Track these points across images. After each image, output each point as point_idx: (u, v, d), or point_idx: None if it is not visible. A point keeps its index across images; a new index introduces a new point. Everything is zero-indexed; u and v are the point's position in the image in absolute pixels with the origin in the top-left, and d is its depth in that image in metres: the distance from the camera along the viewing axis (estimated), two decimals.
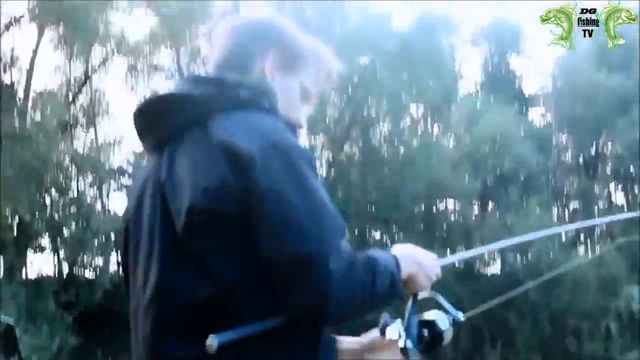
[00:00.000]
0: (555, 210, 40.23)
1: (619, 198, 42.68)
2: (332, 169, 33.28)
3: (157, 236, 2.14)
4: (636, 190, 40.84)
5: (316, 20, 32.05)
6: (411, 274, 2.27)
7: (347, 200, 30.90)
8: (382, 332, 2.41)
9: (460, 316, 2.51)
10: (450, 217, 35.55)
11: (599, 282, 32.49)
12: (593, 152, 42.44)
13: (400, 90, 34.56)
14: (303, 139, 32.68)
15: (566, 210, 42.16)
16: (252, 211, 1.98)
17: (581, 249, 40.50)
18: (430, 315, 2.44)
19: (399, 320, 2.37)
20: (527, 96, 45.29)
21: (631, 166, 40.12)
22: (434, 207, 35.06)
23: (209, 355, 1.94)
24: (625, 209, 40.91)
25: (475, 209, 36.88)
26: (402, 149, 34.47)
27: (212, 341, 1.93)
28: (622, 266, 33.08)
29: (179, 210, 2.06)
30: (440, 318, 2.44)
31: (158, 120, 2.26)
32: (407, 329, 2.34)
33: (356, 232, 31.96)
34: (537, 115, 45.84)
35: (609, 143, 42.44)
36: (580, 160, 42.31)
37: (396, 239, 32.72)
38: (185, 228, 2.04)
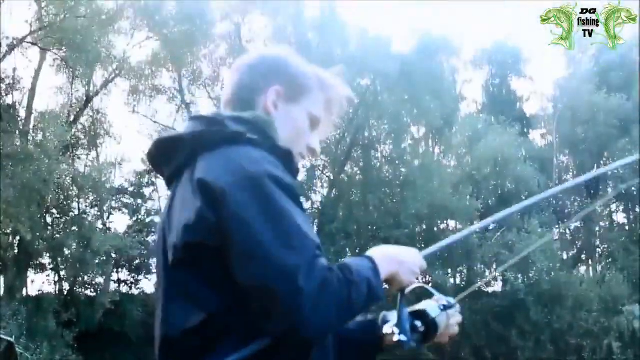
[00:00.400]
0: (556, 230, 40.17)
1: (620, 217, 42.71)
2: (334, 189, 33.29)
3: (161, 271, 2.24)
4: (637, 209, 40.83)
5: (317, 43, 32.24)
6: (393, 272, 2.28)
7: (348, 220, 30.93)
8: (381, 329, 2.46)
9: (452, 300, 2.51)
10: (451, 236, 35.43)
11: (600, 301, 32.45)
12: (594, 172, 42.43)
13: (401, 112, 34.68)
14: (307, 162, 32.80)
15: (567, 230, 42.14)
16: (225, 241, 2.03)
17: (582, 268, 40.49)
18: (420, 305, 2.45)
19: (394, 316, 2.41)
20: (528, 117, 45.44)
21: (632, 186, 40.12)
22: (435, 227, 35.01)
23: None
24: (627, 228, 40.91)
25: (478, 230, 36.78)
26: (403, 170, 34.48)
27: None
28: (624, 286, 33.06)
29: (170, 246, 2.16)
30: (430, 307, 2.45)
31: (161, 161, 2.37)
32: (399, 323, 2.36)
33: (357, 250, 31.91)
34: (538, 136, 45.99)
35: (610, 163, 42.44)
36: (582, 179, 42.24)
37: None
38: (174, 262, 2.14)
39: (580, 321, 31.61)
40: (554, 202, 39.49)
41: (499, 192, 37.09)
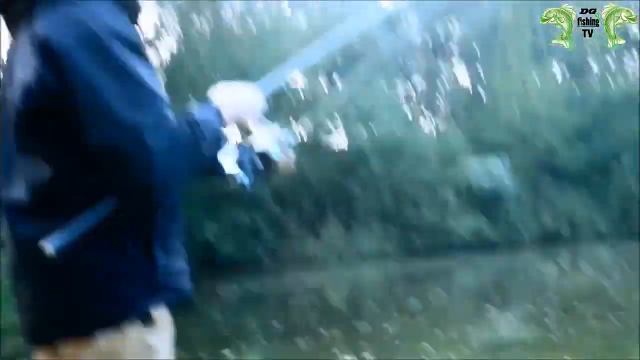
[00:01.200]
0: (401, 87, 40.82)
1: (462, 76, 43.68)
2: (183, 44, 32.62)
3: (3, 125, 2.23)
4: (479, 69, 41.81)
5: None
6: (237, 117, 2.37)
7: (198, 75, 30.46)
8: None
9: (292, 138, 2.60)
10: (299, 91, 35.55)
11: (439, 156, 33.39)
12: (439, 31, 43.06)
13: None
14: (151, 13, 31.83)
15: (411, 87, 42.86)
16: (70, 105, 2.00)
17: (425, 124, 41.44)
18: (259, 141, 2.51)
19: (234, 152, 2.44)
20: None
21: (475, 46, 41.04)
22: (283, 82, 34.93)
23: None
24: (469, 87, 42.01)
25: (323, 84, 37.01)
26: (254, 27, 34.03)
27: (48, 246, 1.98)
28: (462, 141, 34.12)
29: (11, 104, 2.13)
30: (270, 144, 2.52)
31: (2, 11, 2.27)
32: (241, 164, 2.42)
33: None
34: None
35: (456, 23, 43.12)
36: (427, 39, 42.86)
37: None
38: (18, 125, 2.12)
39: (419, 173, 32.49)
40: (399, 59, 39.95)
41: (346, 48, 37.18)
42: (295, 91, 34.54)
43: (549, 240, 32.48)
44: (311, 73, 34.63)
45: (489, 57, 38.45)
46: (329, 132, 34.23)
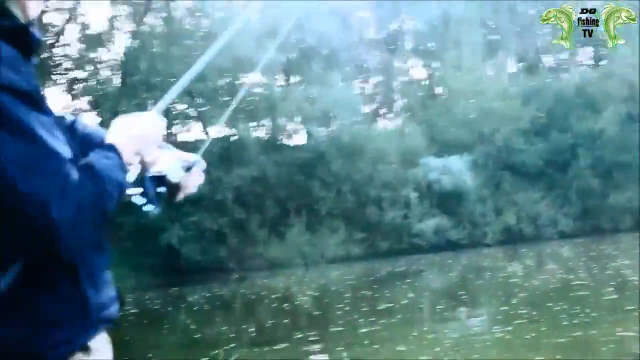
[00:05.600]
0: (357, 84, 40.86)
1: (417, 73, 43.84)
2: (136, 41, 32.24)
3: None
4: (433, 65, 41.98)
5: None
6: (137, 149, 2.25)
7: (151, 72, 30.15)
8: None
9: (193, 159, 2.55)
10: (254, 90, 35.42)
11: (399, 154, 33.46)
12: (394, 27, 43.17)
13: None
14: (103, 10, 31.32)
15: (367, 84, 42.95)
16: None
17: (382, 122, 41.56)
18: (162, 166, 2.46)
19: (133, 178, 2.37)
20: None
21: (429, 42, 41.20)
22: (237, 80, 34.78)
23: None
24: (425, 83, 42.19)
25: (280, 83, 36.93)
26: (205, 21, 33.77)
27: None
28: (421, 139, 34.21)
29: None
30: (172, 168, 2.48)
31: None
32: (145, 193, 2.40)
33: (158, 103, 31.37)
34: None
35: (409, 20, 43.27)
36: (381, 35, 42.94)
37: (199, 110, 32.39)
38: None
39: (380, 173, 32.55)
40: (355, 56, 39.97)
41: (301, 46, 37.09)
42: (252, 92, 34.42)
43: (512, 238, 32.72)
44: (268, 73, 34.52)
45: (443, 52, 38.60)
46: (288, 132, 34.16)
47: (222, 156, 28.01)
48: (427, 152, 33.72)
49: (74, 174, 1.93)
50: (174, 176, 2.46)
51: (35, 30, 2.10)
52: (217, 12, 34.79)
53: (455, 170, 32.33)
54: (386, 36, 42.68)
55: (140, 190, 2.39)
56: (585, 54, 42.69)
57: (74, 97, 32.54)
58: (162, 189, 2.45)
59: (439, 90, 40.71)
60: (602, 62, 40.31)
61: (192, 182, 2.53)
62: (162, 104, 2.53)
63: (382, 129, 38.80)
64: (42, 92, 2.02)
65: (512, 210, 33.39)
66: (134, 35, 32.34)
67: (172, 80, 29.50)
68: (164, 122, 2.39)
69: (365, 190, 32.28)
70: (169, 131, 33.46)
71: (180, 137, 33.93)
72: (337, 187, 32.01)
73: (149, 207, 2.40)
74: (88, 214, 1.94)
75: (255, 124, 33.93)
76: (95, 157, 2.08)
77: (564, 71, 40.88)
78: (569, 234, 33.14)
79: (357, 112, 36.45)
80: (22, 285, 1.97)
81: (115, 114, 29.40)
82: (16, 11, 2.10)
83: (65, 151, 1.97)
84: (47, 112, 2.00)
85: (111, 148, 2.17)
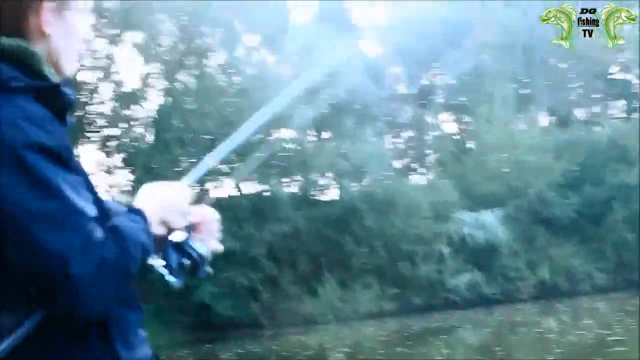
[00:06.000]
0: (389, 139, 40.96)
1: (450, 127, 43.89)
2: (169, 98, 32.59)
3: None
4: (466, 119, 42.00)
5: None
6: (163, 218, 2.28)
7: (184, 129, 30.42)
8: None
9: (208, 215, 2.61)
10: (286, 145, 35.60)
11: (431, 208, 33.37)
12: (425, 82, 43.35)
13: (233, 20, 34.06)
14: (136, 68, 31.73)
15: (399, 139, 43.04)
16: None
17: (414, 177, 41.52)
18: (182, 242, 2.48)
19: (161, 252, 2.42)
20: (361, 28, 45.73)
21: (461, 96, 41.26)
22: (270, 136, 34.94)
23: None
24: (457, 137, 42.17)
25: (312, 138, 37.08)
26: (237, 78, 34.11)
27: None
28: (453, 193, 34.10)
29: None
30: (199, 247, 2.50)
31: None
32: (168, 265, 2.39)
33: (193, 160, 31.59)
34: (371, 47, 46.42)
35: (439, 74, 43.46)
36: (413, 90, 43.13)
37: (232, 165, 32.51)
38: None
39: (412, 228, 32.42)
40: (387, 111, 40.13)
41: (333, 101, 37.29)
42: (285, 148, 34.63)
43: (547, 293, 32.39)
44: (300, 128, 34.71)
45: (475, 107, 38.61)
46: (320, 187, 34.22)
47: (254, 212, 28.08)
48: (460, 206, 33.57)
49: (98, 233, 1.94)
50: (199, 246, 2.47)
51: (69, 90, 2.14)
52: (250, 69, 35.17)
53: (488, 224, 32.14)
54: (418, 91, 42.83)
55: (163, 262, 2.39)
56: (617, 107, 42.57)
57: (108, 154, 32.82)
58: (186, 261, 2.45)
59: (470, 144, 40.65)
60: (634, 115, 40.15)
61: (211, 242, 2.55)
62: (197, 173, 2.61)
63: (414, 183, 38.72)
64: (72, 150, 2.04)
65: (546, 264, 33.02)
66: (167, 92, 32.66)
67: (205, 137, 29.74)
68: (191, 193, 2.44)
69: (398, 245, 32.11)
70: (200, 187, 33.60)
71: (213, 193, 33.99)
72: (369, 243, 31.90)
73: (170, 279, 2.40)
74: (109, 273, 1.93)
75: (287, 179, 33.94)
76: (121, 219, 2.10)
77: (596, 124, 40.71)
78: (604, 288, 32.72)
79: (389, 167, 36.50)
80: (52, 336, 1.98)
81: (148, 170, 29.81)
82: (51, 71, 2.13)
83: (90, 210, 1.97)
84: (76, 170, 2.03)
85: (138, 212, 2.19)
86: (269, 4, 35.76)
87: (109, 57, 30.94)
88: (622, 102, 41.97)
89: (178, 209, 2.34)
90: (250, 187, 33.28)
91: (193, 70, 34.50)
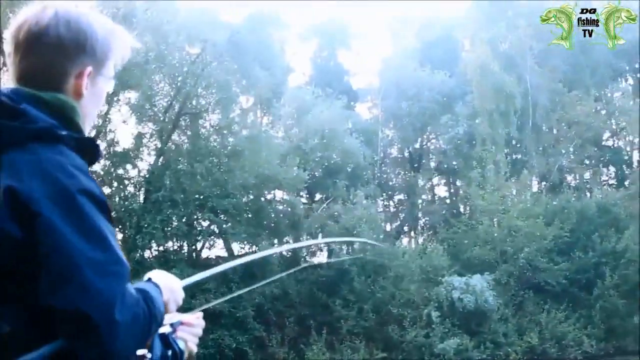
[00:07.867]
0: (380, 202, 41.09)
1: (440, 191, 44.13)
2: (161, 158, 32.67)
3: None
4: (457, 183, 42.22)
5: (145, 9, 31.32)
6: (165, 302, 2.32)
7: (176, 189, 30.44)
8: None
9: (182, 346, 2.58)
10: (278, 207, 35.65)
11: (421, 272, 33.33)
12: (417, 146, 43.64)
13: (229, 81, 34.31)
14: (130, 128, 31.87)
15: (391, 202, 43.19)
16: (35, 263, 1.93)
17: (405, 240, 41.58)
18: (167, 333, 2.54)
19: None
20: (354, 91, 46.22)
21: (453, 161, 41.50)
22: (262, 197, 35.02)
23: None
24: (447, 202, 42.32)
25: (303, 200, 37.16)
26: (231, 139, 34.26)
27: None
28: (444, 257, 34.08)
29: None
30: (178, 341, 2.56)
31: None
32: (152, 350, 2.42)
33: (184, 220, 31.63)
34: (364, 110, 46.85)
35: (432, 138, 43.79)
36: (405, 153, 43.41)
37: (224, 227, 32.52)
38: None
39: (402, 291, 32.36)
40: (379, 174, 40.35)
41: (326, 163, 37.46)
42: (275, 210, 34.68)
43: (535, 358, 32.16)
44: (292, 190, 34.84)
45: (467, 171, 38.78)
46: (311, 250, 34.19)
47: (243, 273, 27.98)
48: (450, 270, 33.49)
49: (131, 288, 2.04)
50: (181, 344, 2.53)
51: (100, 148, 2.25)
52: (244, 130, 35.34)
53: (477, 289, 31.98)
54: (410, 154, 43.09)
55: (148, 353, 2.40)
56: (609, 173, 42.80)
57: None
58: (169, 352, 2.48)
59: (462, 208, 40.77)
60: (625, 182, 40.34)
61: (189, 343, 2.58)
62: (192, 279, 2.75)
63: (405, 247, 38.73)
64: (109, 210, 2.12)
65: (535, 330, 32.79)
66: (160, 152, 32.75)
67: (197, 197, 29.70)
68: (182, 294, 2.49)
69: (387, 308, 32.01)
70: (192, 247, 33.58)
71: (204, 254, 34.00)
72: (358, 306, 31.80)
73: None
74: (139, 327, 2.02)
75: (276, 240, 33.95)
76: (147, 285, 2.23)
77: (587, 190, 40.86)
78: (594, 355, 32.53)
79: (380, 230, 36.54)
80: None
81: (139, 229, 29.77)
82: (85, 126, 2.27)
83: (126, 262, 2.06)
84: (111, 222, 2.10)
85: (157, 284, 2.29)
86: (265, 66, 36.13)
87: (104, 116, 31.09)
88: (612, 169, 42.24)
89: (176, 299, 2.42)
90: (240, 248, 33.37)
91: (187, 130, 34.66)
